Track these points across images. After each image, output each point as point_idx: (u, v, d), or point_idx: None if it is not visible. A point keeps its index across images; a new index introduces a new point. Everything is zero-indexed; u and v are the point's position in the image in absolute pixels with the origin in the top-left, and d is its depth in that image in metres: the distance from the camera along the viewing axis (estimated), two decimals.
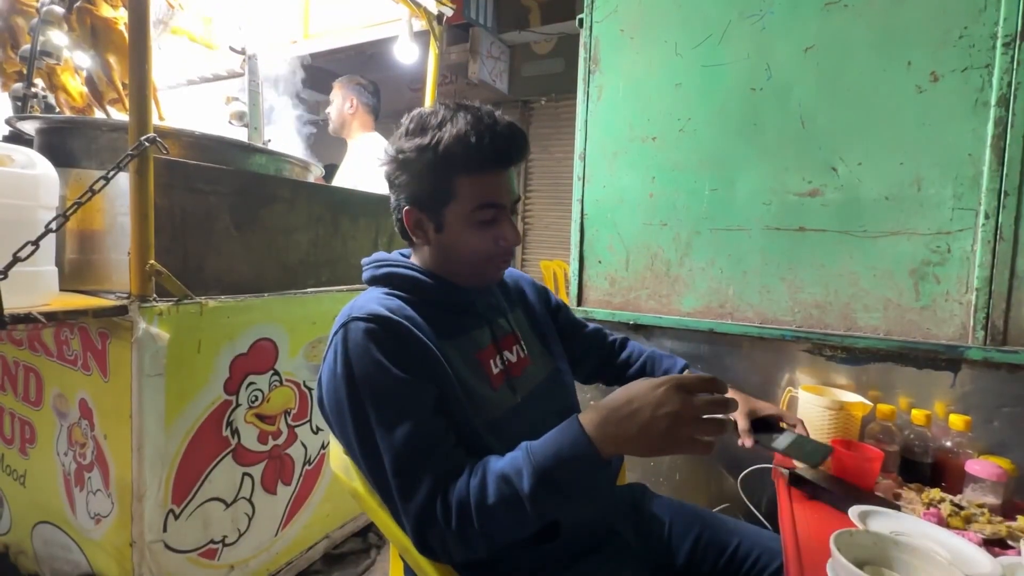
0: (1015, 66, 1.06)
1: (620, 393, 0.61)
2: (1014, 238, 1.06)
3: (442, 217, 0.76)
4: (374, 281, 0.82)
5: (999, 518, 0.84)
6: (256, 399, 1.35)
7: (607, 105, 1.49)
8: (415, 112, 0.77)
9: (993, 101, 1.08)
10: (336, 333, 0.70)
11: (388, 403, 0.65)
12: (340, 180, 2.25)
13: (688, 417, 0.57)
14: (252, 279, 1.36)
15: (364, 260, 0.85)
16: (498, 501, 0.60)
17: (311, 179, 1.73)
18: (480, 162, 0.72)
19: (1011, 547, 0.78)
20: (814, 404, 1.12)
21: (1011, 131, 1.06)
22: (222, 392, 1.26)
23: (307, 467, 1.53)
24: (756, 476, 1.27)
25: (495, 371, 0.80)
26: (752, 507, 1.31)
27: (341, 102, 2.27)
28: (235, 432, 1.30)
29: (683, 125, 1.39)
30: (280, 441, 1.44)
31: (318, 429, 1.55)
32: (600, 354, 1.09)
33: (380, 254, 0.85)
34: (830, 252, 1.23)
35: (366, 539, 1.74)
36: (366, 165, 2.17)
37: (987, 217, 1.08)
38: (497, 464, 0.63)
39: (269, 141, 2.34)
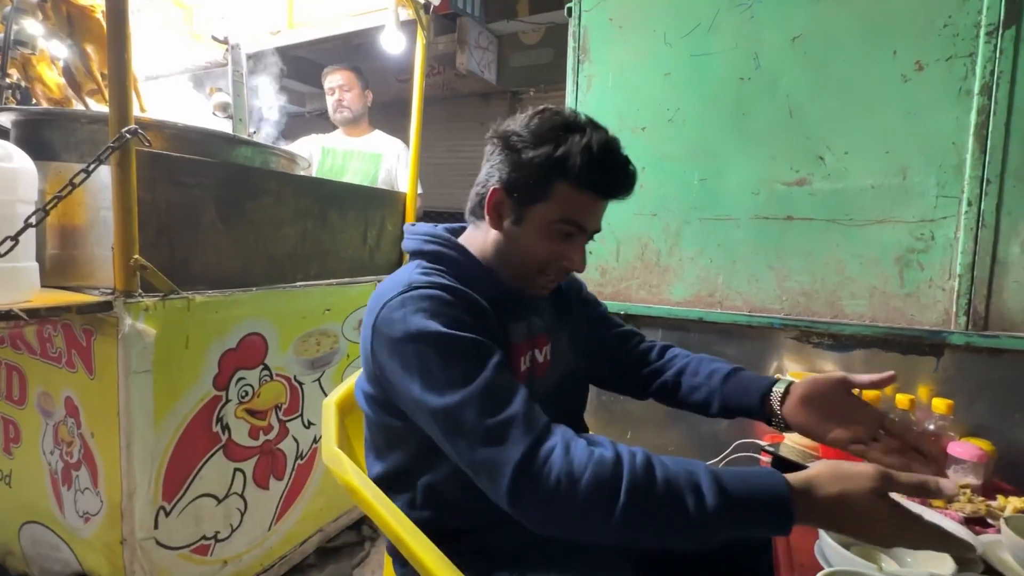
0: (997, 55, 1.07)
1: (823, 475, 0.55)
2: (996, 225, 1.09)
3: (526, 212, 0.74)
4: (420, 255, 0.78)
5: (980, 498, 0.87)
6: (246, 394, 1.34)
7: (596, 95, 1.49)
8: (552, 107, 0.75)
9: (976, 90, 1.10)
10: (392, 300, 0.67)
11: (464, 356, 0.63)
12: (383, 183, 2.25)
13: (909, 527, 0.53)
14: (240, 273, 1.34)
15: (407, 227, 0.83)
16: (665, 499, 0.54)
17: (298, 172, 1.71)
18: (591, 180, 0.71)
19: (991, 525, 0.81)
20: None
21: (993, 119, 1.08)
22: (211, 388, 1.25)
23: (299, 461, 1.52)
24: (742, 461, 1.30)
25: (522, 368, 0.79)
26: None
27: (361, 92, 2.27)
28: (225, 428, 1.29)
29: (672, 115, 1.39)
30: (271, 436, 1.43)
31: (310, 423, 1.54)
32: (624, 359, 0.97)
33: (426, 227, 0.82)
34: (817, 241, 1.24)
35: (360, 532, 1.74)
36: (398, 166, 2.22)
37: (970, 204, 1.10)
38: (664, 459, 0.58)
39: (255, 133, 2.31)
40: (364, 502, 0.72)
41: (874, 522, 0.52)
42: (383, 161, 2.27)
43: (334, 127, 2.36)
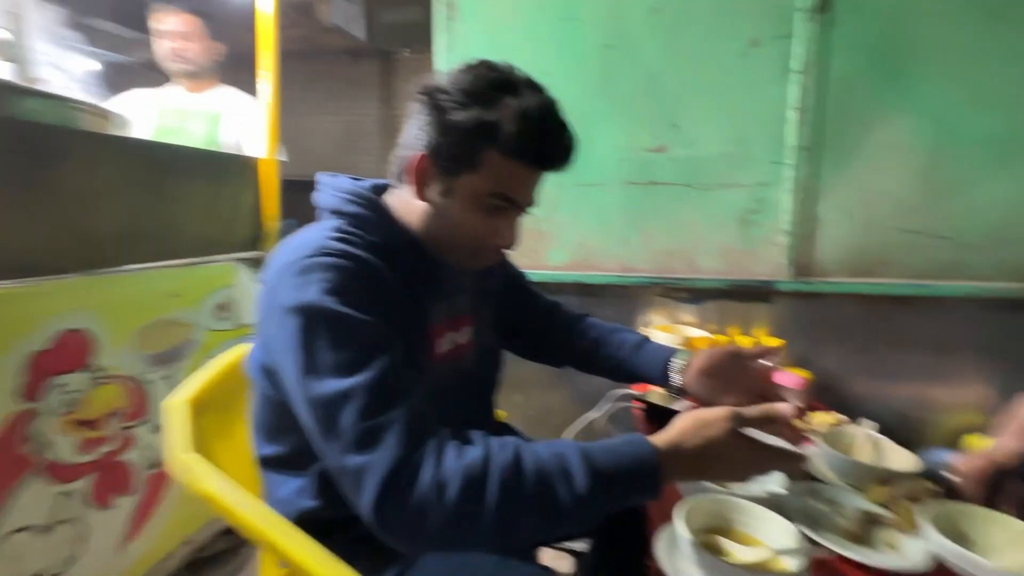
0: (814, 36, 1.23)
1: (686, 429, 0.57)
2: (813, 187, 1.27)
3: (454, 182, 0.65)
4: (338, 215, 0.68)
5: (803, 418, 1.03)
6: (70, 402, 1.11)
7: (466, 56, 1.43)
8: (485, 60, 0.65)
9: (797, 68, 1.25)
10: (295, 263, 0.59)
11: (358, 341, 0.57)
12: (226, 146, 1.90)
13: (760, 458, 0.57)
14: (44, 258, 1.09)
15: (324, 178, 0.72)
16: (537, 489, 0.52)
17: (115, 132, 1.42)
18: (524, 150, 0.63)
19: (809, 439, 0.97)
20: (666, 341, 1.26)
21: (811, 94, 1.24)
22: (19, 400, 1.02)
23: (151, 472, 1.33)
24: (621, 410, 1.41)
25: (440, 351, 0.73)
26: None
27: (206, 43, 1.89)
28: (44, 446, 1.07)
29: (544, 79, 1.39)
30: (111, 448, 1.22)
31: (158, 428, 1.34)
32: (550, 331, 0.99)
33: (348, 182, 0.71)
34: (676, 204, 1.35)
35: (234, 537, 1.59)
36: (245, 125, 1.90)
37: (792, 169, 1.27)
38: (534, 447, 0.55)
39: (46, 82, 1.86)
40: (224, 510, 0.64)
41: (734, 461, 0.56)
42: (223, 120, 1.98)
43: (167, 79, 2.00)
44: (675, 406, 1.05)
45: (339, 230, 0.65)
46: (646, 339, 0.93)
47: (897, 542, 0.68)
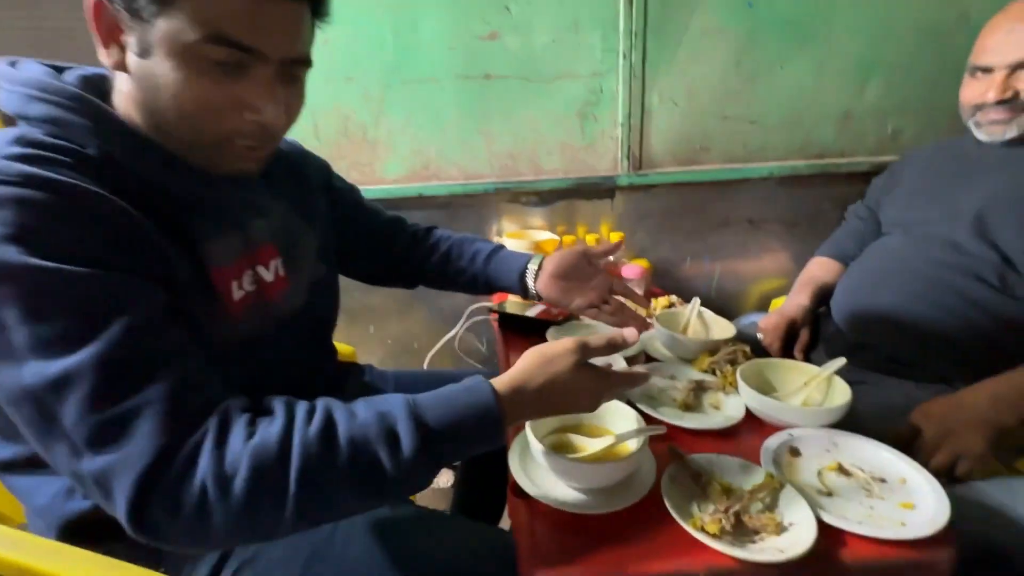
0: None
1: (530, 367, 0.52)
2: (643, 76, 1.25)
3: (148, 32, 0.44)
4: (25, 120, 0.46)
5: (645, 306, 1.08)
6: None
7: None
8: None
9: None
10: None
11: (69, 304, 0.40)
12: None
13: (605, 387, 0.54)
14: None
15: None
16: (353, 461, 0.43)
17: None
18: None
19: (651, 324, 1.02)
20: (517, 248, 1.22)
21: None
22: None
23: None
24: (479, 323, 1.38)
25: (238, 295, 0.55)
26: (473, 361, 1.43)
27: None
28: None
29: None
30: None
31: None
32: (396, 250, 0.88)
33: (36, 69, 0.49)
34: (514, 100, 1.26)
35: None
36: None
37: (624, 57, 1.24)
38: (354, 409, 0.46)
39: None
40: None
41: (580, 393, 0.52)
42: None
43: None
44: (530, 312, 1.03)
45: (20, 143, 0.43)
46: (499, 247, 0.88)
47: (721, 403, 0.74)
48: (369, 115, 1.24)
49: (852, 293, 1.03)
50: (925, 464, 0.62)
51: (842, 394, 0.69)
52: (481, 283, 0.86)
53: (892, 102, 1.28)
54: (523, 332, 1.01)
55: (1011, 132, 0.89)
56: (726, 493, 0.55)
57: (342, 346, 1.12)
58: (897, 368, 0.91)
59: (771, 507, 0.54)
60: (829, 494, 0.57)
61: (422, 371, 1.10)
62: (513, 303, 1.10)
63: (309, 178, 0.74)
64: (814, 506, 0.52)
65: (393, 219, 0.90)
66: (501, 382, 0.50)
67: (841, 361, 0.73)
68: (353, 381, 0.89)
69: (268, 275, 0.60)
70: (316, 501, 0.42)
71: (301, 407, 0.46)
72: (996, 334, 0.84)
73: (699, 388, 0.77)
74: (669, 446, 0.61)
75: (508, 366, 0.92)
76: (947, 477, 0.68)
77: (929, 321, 0.89)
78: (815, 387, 0.73)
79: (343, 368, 0.89)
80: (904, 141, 1.31)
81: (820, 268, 1.16)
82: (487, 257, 0.86)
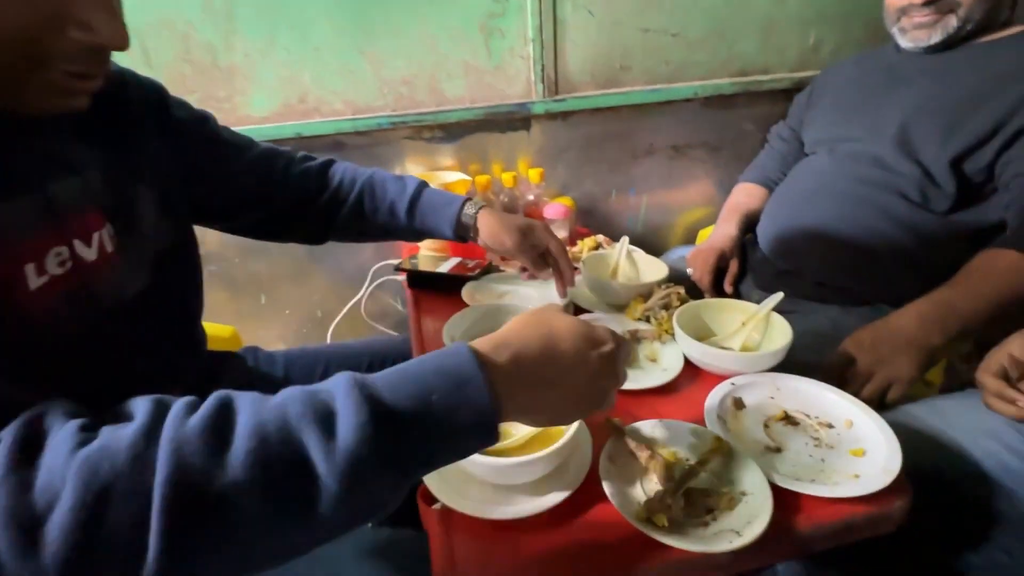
0: None
1: (535, 340, 0.37)
2: None
3: None
4: None
5: (570, 248, 0.98)
6: None
7: None
8: None
9: None
10: None
11: None
12: None
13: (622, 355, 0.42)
14: None
15: None
16: (263, 460, 0.28)
17: None
18: None
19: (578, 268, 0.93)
20: None
21: None
22: None
23: None
24: (388, 283, 1.22)
25: (37, 283, 0.38)
26: (385, 328, 1.28)
27: None
28: None
29: None
30: None
31: None
32: (278, 194, 0.69)
33: None
34: (403, 12, 1.04)
35: None
36: None
37: None
38: (286, 399, 0.31)
39: None
40: None
41: (589, 363, 0.39)
42: None
43: None
44: (443, 268, 0.90)
45: None
46: (423, 185, 0.74)
47: (658, 354, 0.67)
48: (215, 32, 0.98)
49: (777, 218, 0.99)
50: (856, 394, 0.59)
51: (782, 334, 0.63)
52: (409, 232, 0.75)
53: (814, 10, 1.21)
54: (437, 290, 0.88)
55: (936, 36, 0.84)
56: (670, 468, 0.47)
57: (218, 328, 0.94)
58: (824, 293, 0.90)
59: (720, 475, 0.48)
60: (778, 450, 0.51)
61: (325, 346, 0.95)
62: (425, 257, 0.96)
63: (134, 112, 0.54)
64: (765, 468, 0.47)
65: (269, 153, 0.70)
66: (480, 342, 0.36)
67: (778, 297, 0.67)
68: (232, 372, 0.73)
69: (89, 252, 0.43)
70: (199, 528, 0.27)
71: (180, 401, 0.31)
72: (919, 251, 0.83)
73: (633, 339, 0.69)
74: (606, 417, 0.53)
75: (420, 332, 0.81)
76: (877, 404, 0.66)
77: (854, 242, 0.87)
78: (753, 327, 0.67)
79: (217, 358, 0.72)
80: (825, 54, 1.25)
81: (745, 194, 1.12)
82: (412, 199, 0.72)
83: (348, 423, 0.30)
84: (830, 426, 0.54)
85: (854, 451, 0.50)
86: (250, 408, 0.30)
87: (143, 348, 0.51)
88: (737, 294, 1.00)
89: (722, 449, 0.49)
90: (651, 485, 0.46)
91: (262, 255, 1.17)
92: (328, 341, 1.20)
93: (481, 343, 0.36)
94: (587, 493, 0.46)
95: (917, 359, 0.67)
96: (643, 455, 0.48)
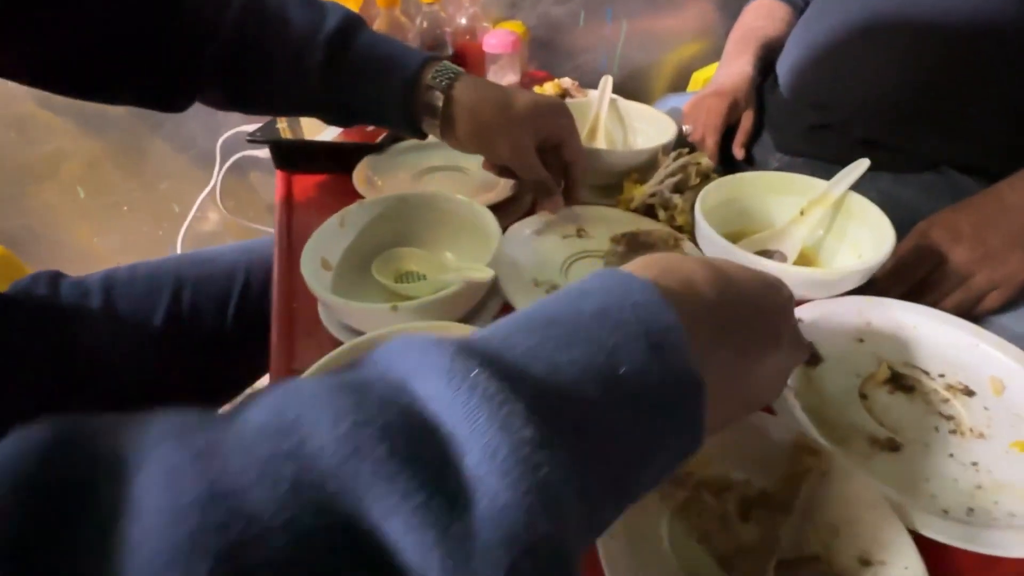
0: None
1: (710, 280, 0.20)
2: None
3: None
4: None
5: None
6: None
7: None
8: None
9: None
10: None
11: None
12: None
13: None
14: None
15: None
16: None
17: None
18: None
19: None
20: None
21: None
22: None
23: None
24: (244, 159, 0.86)
25: None
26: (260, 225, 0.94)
27: None
28: None
29: None
30: None
31: None
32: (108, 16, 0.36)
33: None
34: None
35: None
36: None
37: None
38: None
39: None
40: None
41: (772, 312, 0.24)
42: None
43: None
44: (324, 136, 0.57)
45: None
46: (354, 21, 0.41)
47: None
48: None
49: (811, 49, 0.70)
50: (936, 304, 0.39)
51: (872, 229, 0.39)
52: (320, 110, 0.45)
53: None
54: (315, 169, 0.57)
55: None
56: (726, 518, 0.25)
57: None
58: (874, 155, 0.65)
59: (816, 522, 0.26)
60: (895, 446, 0.30)
61: (175, 257, 0.63)
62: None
63: None
64: (902, 505, 0.25)
65: None
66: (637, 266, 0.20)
67: (862, 166, 0.42)
68: (12, 313, 0.45)
69: None
70: None
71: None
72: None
73: (632, 248, 0.42)
74: None
75: (289, 229, 0.52)
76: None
77: (927, 76, 0.60)
78: (818, 219, 0.42)
79: None
80: None
81: (762, 16, 0.81)
82: (330, 53, 0.40)
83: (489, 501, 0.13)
84: (968, 392, 0.32)
85: (1017, 443, 0.30)
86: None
87: None
88: (749, 160, 0.74)
89: (817, 466, 0.27)
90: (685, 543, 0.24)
91: (59, 127, 0.77)
92: (179, 251, 0.87)
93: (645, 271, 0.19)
94: None
95: None
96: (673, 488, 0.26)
